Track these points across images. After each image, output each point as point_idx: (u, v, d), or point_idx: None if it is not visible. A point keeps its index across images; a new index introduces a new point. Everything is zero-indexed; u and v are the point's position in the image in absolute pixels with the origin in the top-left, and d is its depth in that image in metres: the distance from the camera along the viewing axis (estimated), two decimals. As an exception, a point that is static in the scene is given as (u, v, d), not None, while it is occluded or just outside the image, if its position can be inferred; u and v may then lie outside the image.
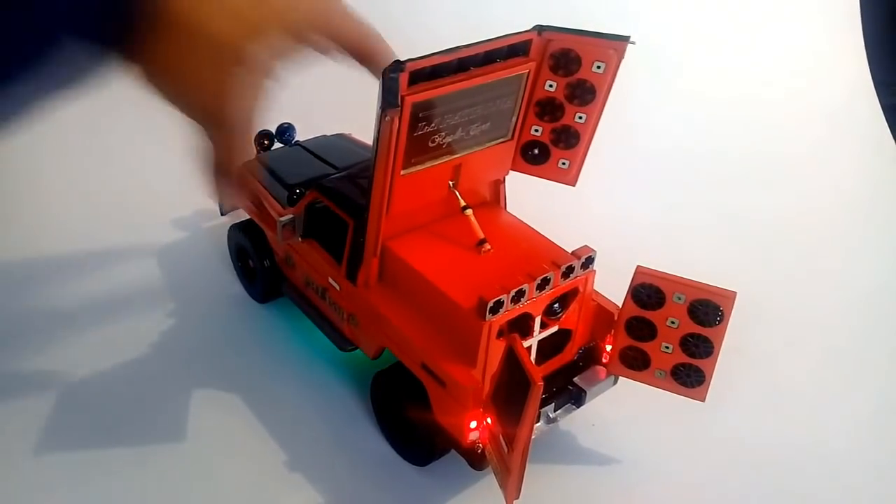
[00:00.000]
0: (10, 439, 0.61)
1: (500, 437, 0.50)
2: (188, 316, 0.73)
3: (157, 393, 0.65)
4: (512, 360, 0.48)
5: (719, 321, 0.55)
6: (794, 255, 0.83)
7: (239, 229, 0.75)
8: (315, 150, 0.77)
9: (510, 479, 0.47)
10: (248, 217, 0.74)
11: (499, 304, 0.50)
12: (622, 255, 0.79)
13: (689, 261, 0.80)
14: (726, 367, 0.70)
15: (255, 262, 0.74)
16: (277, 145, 0.79)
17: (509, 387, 0.49)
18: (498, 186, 0.63)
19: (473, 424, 0.52)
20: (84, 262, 0.78)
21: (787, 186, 0.92)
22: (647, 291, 0.57)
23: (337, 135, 0.80)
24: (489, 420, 0.52)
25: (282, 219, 0.64)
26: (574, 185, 0.58)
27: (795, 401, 0.68)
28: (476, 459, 0.53)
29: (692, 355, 0.57)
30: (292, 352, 0.70)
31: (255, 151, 0.76)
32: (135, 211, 0.84)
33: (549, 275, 0.53)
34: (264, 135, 0.77)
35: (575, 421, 0.65)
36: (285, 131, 0.78)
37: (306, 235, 0.65)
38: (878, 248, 0.86)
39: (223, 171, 0.44)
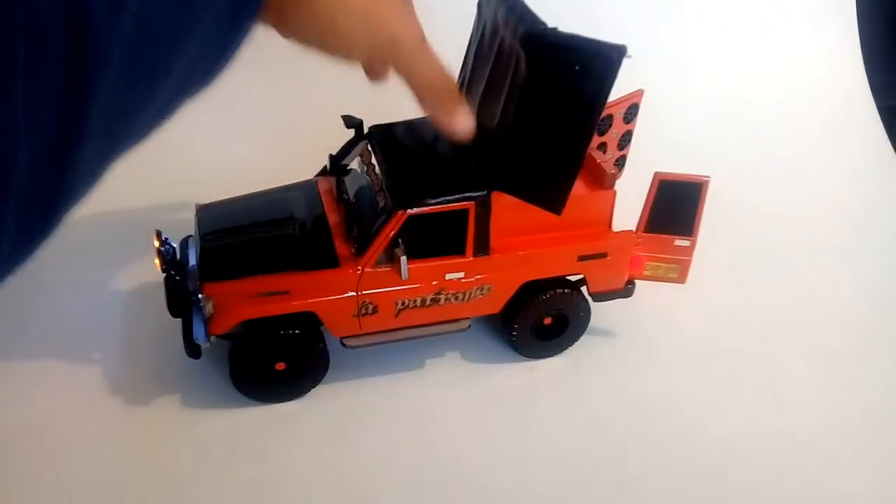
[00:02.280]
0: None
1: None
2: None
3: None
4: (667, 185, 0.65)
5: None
6: (791, 256, 0.83)
7: (263, 340, 0.63)
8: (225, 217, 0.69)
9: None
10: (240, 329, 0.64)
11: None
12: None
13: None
14: (725, 366, 0.71)
15: (306, 354, 0.65)
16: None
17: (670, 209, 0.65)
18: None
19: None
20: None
21: (783, 188, 0.92)
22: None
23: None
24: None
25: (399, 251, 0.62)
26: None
27: (793, 400, 0.68)
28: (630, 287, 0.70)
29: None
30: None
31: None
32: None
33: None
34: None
35: (574, 420, 0.65)
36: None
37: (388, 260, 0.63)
38: (875, 249, 0.86)
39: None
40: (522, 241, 0.65)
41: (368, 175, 0.66)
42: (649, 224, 0.67)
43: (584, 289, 0.69)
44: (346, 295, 0.62)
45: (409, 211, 0.60)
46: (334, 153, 0.68)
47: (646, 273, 0.70)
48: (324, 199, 0.67)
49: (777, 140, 0.98)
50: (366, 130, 0.68)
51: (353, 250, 0.62)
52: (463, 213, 0.62)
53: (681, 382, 0.69)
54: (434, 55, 0.49)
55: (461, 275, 0.64)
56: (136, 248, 0.74)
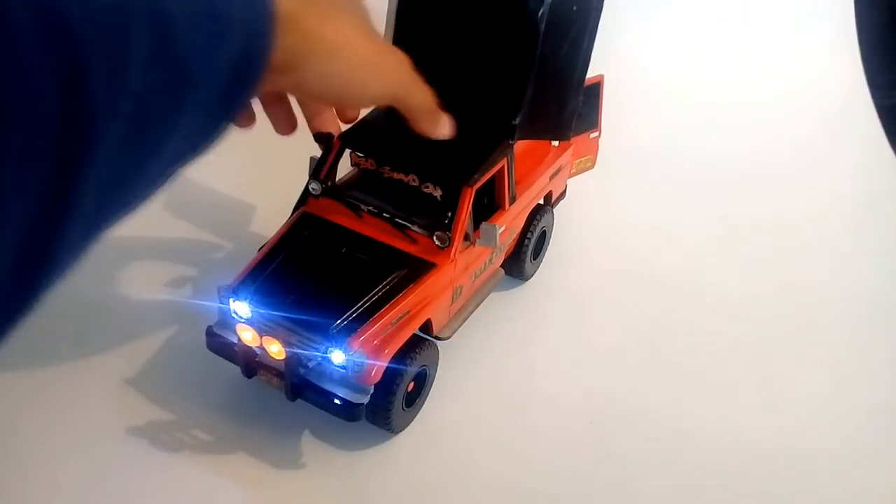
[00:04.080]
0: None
1: None
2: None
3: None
4: None
5: None
6: (789, 257, 0.84)
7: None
8: None
9: None
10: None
11: None
12: (618, 258, 0.80)
13: (684, 264, 0.81)
14: (723, 367, 0.71)
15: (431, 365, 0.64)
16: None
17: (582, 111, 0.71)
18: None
19: None
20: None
21: (782, 189, 0.93)
22: None
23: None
24: None
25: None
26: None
27: (792, 400, 0.68)
28: None
29: None
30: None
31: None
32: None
33: None
34: None
35: (573, 419, 0.65)
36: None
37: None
38: (875, 250, 0.86)
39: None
40: (519, 178, 0.70)
41: (382, 175, 0.65)
42: (574, 128, 0.74)
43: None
44: (446, 289, 0.62)
45: (474, 185, 0.62)
46: (309, 178, 0.65)
47: (572, 172, 0.81)
48: (341, 223, 0.64)
49: (775, 139, 0.99)
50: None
51: (434, 244, 0.61)
52: (501, 170, 0.65)
53: (680, 382, 0.69)
54: (422, 82, 0.54)
55: (504, 227, 0.67)
56: (135, 249, 0.74)
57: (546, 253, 0.79)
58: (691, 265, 0.74)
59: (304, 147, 0.64)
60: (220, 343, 0.60)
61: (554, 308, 0.75)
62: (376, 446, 0.62)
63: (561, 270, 0.78)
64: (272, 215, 0.69)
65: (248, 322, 0.58)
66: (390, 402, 0.59)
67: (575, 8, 0.63)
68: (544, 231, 0.77)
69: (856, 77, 1.07)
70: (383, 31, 0.66)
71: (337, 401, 0.57)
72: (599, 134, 0.81)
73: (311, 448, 0.61)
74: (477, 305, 0.68)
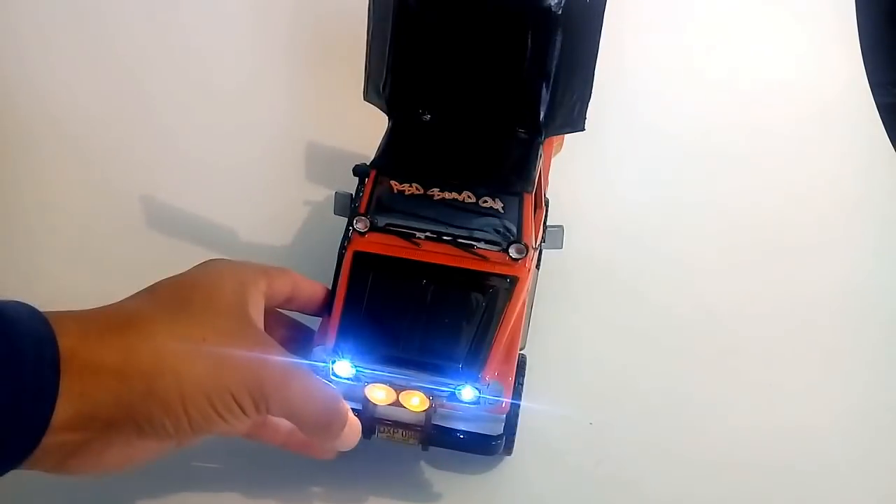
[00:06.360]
0: None
1: None
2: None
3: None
4: None
5: None
6: (788, 253, 0.83)
7: None
8: None
9: None
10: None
11: None
12: (616, 259, 0.80)
13: (681, 258, 0.81)
14: (721, 365, 0.70)
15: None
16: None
17: None
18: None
19: None
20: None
21: (781, 184, 0.93)
22: None
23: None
24: None
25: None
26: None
27: (794, 398, 0.68)
28: None
29: None
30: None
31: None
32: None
33: None
34: None
35: (572, 419, 0.64)
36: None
37: None
38: (874, 246, 0.86)
39: None
40: None
41: (433, 198, 0.61)
42: None
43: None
44: (525, 300, 0.60)
45: (534, 190, 0.61)
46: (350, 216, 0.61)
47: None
48: (402, 255, 0.60)
49: (774, 136, 0.99)
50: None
51: (507, 258, 0.58)
52: (540, 171, 0.64)
53: (679, 380, 0.68)
54: (308, 383, 0.45)
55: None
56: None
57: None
58: (689, 265, 0.74)
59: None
60: None
61: (552, 310, 0.73)
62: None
63: (555, 269, 0.78)
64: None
65: (356, 380, 0.54)
66: (515, 424, 0.57)
67: (588, 0, 0.62)
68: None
69: (856, 75, 1.07)
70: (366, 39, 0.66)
71: (475, 438, 0.55)
72: None
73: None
74: (531, 310, 0.66)
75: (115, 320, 0.40)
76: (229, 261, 0.48)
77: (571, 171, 0.81)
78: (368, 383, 0.53)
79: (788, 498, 0.61)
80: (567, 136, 0.73)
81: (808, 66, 1.07)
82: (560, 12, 0.61)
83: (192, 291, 0.43)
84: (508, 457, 0.60)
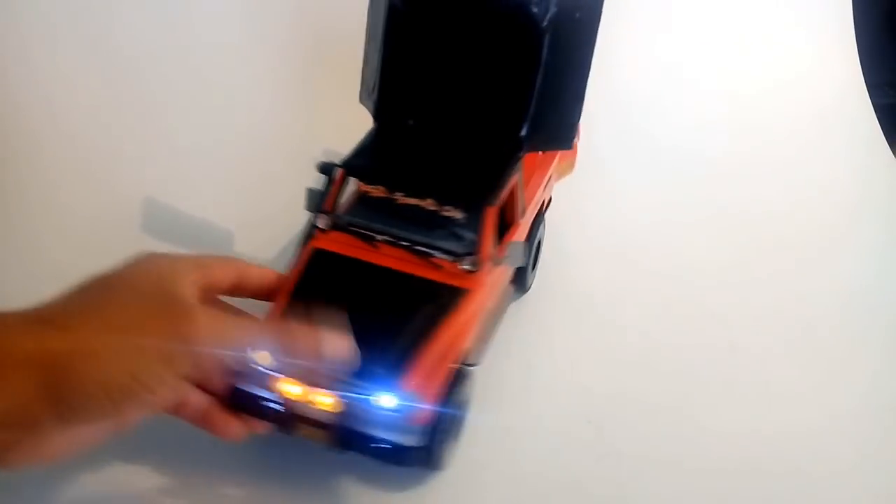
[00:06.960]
0: None
1: None
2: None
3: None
4: None
5: None
6: (786, 253, 0.84)
7: None
8: None
9: None
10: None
11: None
12: (614, 259, 0.81)
13: (679, 258, 0.81)
14: (720, 365, 0.71)
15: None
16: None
17: None
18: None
19: None
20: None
21: (779, 186, 0.93)
22: None
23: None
24: None
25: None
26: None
27: (791, 399, 0.68)
28: None
29: None
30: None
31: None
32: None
33: None
34: None
35: (572, 418, 0.65)
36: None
37: None
38: (871, 247, 0.87)
39: None
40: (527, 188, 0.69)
41: (396, 202, 0.61)
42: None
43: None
44: (478, 314, 0.59)
45: (497, 205, 0.60)
46: (314, 212, 0.62)
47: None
48: (357, 256, 0.60)
49: (771, 138, 0.99)
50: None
51: (461, 269, 0.58)
52: (514, 184, 0.63)
53: (679, 381, 0.69)
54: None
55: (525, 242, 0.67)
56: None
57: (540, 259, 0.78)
58: (688, 265, 0.74)
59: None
60: (248, 401, 0.53)
61: (551, 311, 0.75)
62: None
63: (554, 274, 0.78)
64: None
65: (274, 372, 0.52)
66: (442, 439, 0.55)
67: (577, 16, 0.62)
68: (540, 240, 0.75)
69: (853, 76, 1.07)
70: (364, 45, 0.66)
71: (388, 446, 0.53)
72: (578, 138, 0.78)
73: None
74: (496, 325, 0.65)
75: (38, 316, 0.41)
76: (160, 254, 0.48)
77: (571, 175, 0.82)
78: (283, 376, 0.52)
79: (789, 499, 0.61)
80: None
81: (806, 67, 1.07)
82: (546, 24, 0.60)
83: (117, 282, 0.44)
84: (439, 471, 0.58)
